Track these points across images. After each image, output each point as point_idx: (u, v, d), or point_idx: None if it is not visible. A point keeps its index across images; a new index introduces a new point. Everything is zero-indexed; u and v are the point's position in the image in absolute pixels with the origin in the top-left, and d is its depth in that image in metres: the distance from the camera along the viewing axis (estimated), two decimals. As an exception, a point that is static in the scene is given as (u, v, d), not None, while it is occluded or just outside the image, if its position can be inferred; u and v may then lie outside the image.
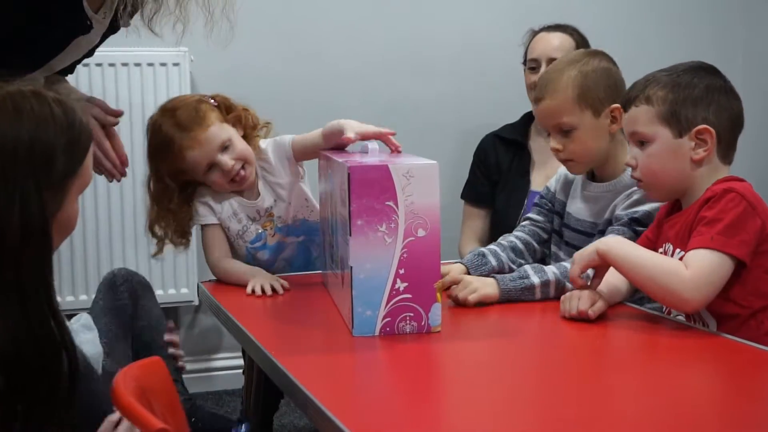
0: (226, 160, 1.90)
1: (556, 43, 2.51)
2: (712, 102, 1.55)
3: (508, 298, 1.71)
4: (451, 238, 2.62)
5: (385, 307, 1.46)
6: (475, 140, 2.73)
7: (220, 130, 1.91)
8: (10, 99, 1.16)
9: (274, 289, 1.80)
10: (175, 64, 2.72)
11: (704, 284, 1.45)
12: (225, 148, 1.91)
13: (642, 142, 1.58)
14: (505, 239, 1.93)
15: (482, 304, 1.68)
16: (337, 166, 1.57)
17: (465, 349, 1.44)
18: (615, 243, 1.55)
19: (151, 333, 1.94)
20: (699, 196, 1.54)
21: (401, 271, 1.46)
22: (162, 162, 1.93)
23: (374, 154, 1.62)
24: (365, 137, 1.77)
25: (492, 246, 1.90)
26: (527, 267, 1.77)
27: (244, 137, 1.96)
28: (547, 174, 2.30)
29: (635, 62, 2.54)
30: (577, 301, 1.55)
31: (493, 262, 1.84)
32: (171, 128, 1.89)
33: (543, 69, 2.47)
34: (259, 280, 1.82)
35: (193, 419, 1.65)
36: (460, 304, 1.67)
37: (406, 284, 1.46)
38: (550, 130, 1.84)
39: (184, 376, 2.86)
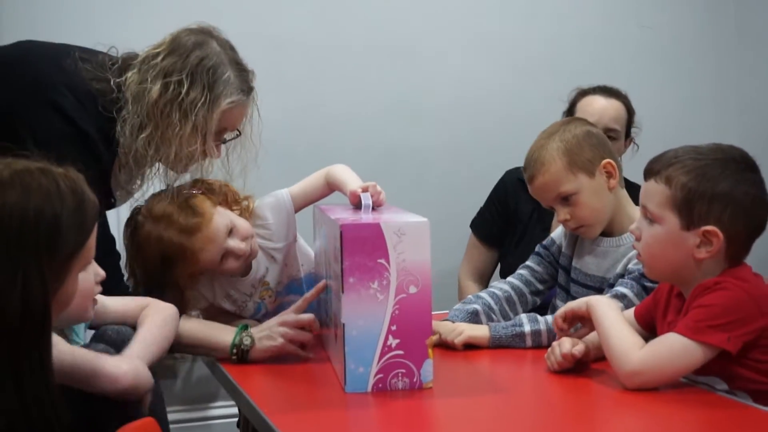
0: (238, 244, 1.80)
1: (612, 111, 2.45)
2: (733, 204, 1.45)
3: (498, 344, 1.76)
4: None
5: (378, 363, 1.48)
6: (471, 186, 2.74)
7: (221, 217, 1.81)
8: (17, 175, 1.14)
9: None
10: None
11: (650, 368, 1.44)
12: (230, 232, 1.81)
13: (650, 219, 1.52)
14: (500, 288, 1.95)
15: (471, 347, 1.74)
16: (329, 223, 1.59)
17: (457, 406, 1.44)
18: (602, 302, 1.57)
19: None
20: (689, 291, 1.50)
21: (393, 328, 1.47)
22: (173, 272, 1.78)
23: (367, 210, 1.64)
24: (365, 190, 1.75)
25: (486, 298, 1.91)
26: (522, 316, 1.81)
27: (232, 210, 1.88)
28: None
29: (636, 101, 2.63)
30: (558, 348, 1.57)
31: (484, 320, 1.86)
32: (176, 236, 1.75)
33: None
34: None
35: None
36: (448, 347, 1.72)
37: (398, 341, 1.48)
38: (552, 204, 1.86)
39: (181, 425, 2.89)
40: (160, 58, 1.76)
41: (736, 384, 1.46)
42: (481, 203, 2.66)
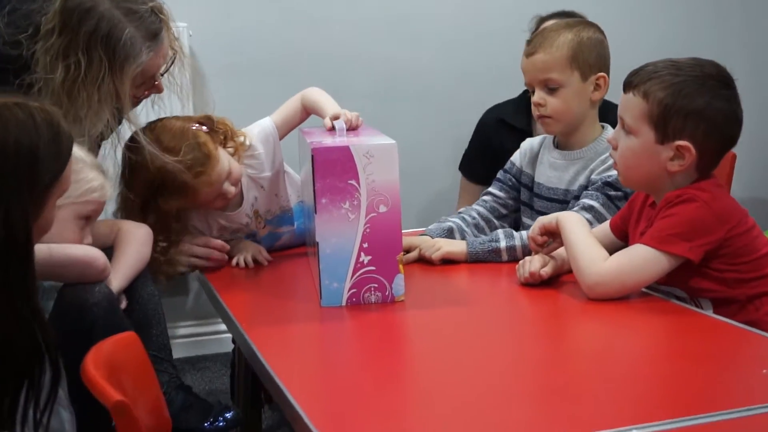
0: (229, 188, 1.86)
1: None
2: (707, 121, 1.49)
3: (475, 259, 1.83)
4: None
5: (351, 279, 1.56)
6: (470, 111, 2.77)
7: (222, 162, 1.85)
8: None
9: (257, 261, 1.90)
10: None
11: (611, 278, 1.50)
12: (228, 175, 1.86)
13: (627, 131, 1.56)
14: (468, 214, 2.01)
15: (449, 262, 1.82)
16: (305, 146, 1.65)
17: (426, 318, 1.53)
18: (570, 218, 1.64)
19: None
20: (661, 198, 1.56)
21: (365, 245, 1.55)
22: (165, 200, 1.84)
23: (342, 133, 1.70)
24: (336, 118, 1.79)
25: (457, 221, 1.97)
26: (499, 231, 1.87)
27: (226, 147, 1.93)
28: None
29: (636, 41, 2.61)
30: (528, 265, 1.64)
31: (458, 237, 1.93)
32: (180, 171, 1.78)
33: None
34: (242, 253, 1.92)
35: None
36: (427, 262, 1.81)
37: (369, 257, 1.55)
38: (536, 84, 1.90)
39: (194, 339, 3.02)
40: (54, 37, 1.71)
41: (697, 293, 1.52)
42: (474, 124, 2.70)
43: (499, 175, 2.06)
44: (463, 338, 1.43)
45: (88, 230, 1.63)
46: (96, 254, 1.54)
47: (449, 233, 1.93)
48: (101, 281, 1.53)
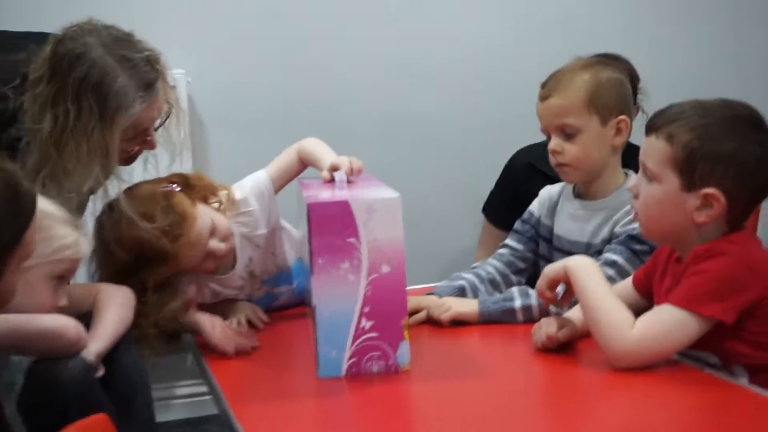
0: (218, 245, 1.71)
1: None
2: (737, 166, 1.36)
3: (488, 320, 1.69)
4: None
5: (351, 346, 1.41)
6: (477, 152, 2.67)
7: (202, 219, 1.70)
8: None
9: (251, 323, 1.76)
10: (171, 87, 2.69)
11: (644, 347, 1.36)
12: (212, 232, 1.72)
13: (649, 177, 1.43)
14: (483, 269, 1.87)
15: (460, 324, 1.68)
16: (302, 200, 1.52)
17: (433, 390, 1.38)
18: (582, 265, 1.47)
19: None
20: (687, 254, 1.42)
21: (366, 309, 1.41)
22: (146, 271, 1.68)
23: (341, 186, 1.57)
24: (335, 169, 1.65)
25: (471, 278, 1.83)
26: (514, 289, 1.74)
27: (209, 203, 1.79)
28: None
29: (646, 65, 2.50)
30: (544, 328, 1.50)
31: (471, 297, 1.79)
32: (156, 239, 1.64)
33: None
34: (236, 314, 1.77)
35: None
36: (435, 323, 1.68)
37: (371, 322, 1.41)
38: (552, 130, 1.77)
39: (190, 399, 2.87)
40: (43, 85, 1.61)
41: (731, 359, 1.38)
42: (487, 171, 2.57)
43: (517, 225, 1.92)
44: (474, 414, 1.29)
45: (63, 291, 1.50)
46: (67, 324, 1.39)
47: (460, 292, 1.79)
48: (76, 354, 1.39)
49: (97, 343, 1.48)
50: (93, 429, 1.15)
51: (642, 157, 1.45)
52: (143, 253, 1.65)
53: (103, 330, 1.52)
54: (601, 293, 1.42)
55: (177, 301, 1.73)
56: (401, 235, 1.40)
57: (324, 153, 1.76)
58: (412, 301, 1.72)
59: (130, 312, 1.58)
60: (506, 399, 1.36)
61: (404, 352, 1.42)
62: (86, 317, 1.62)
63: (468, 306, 1.72)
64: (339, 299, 1.40)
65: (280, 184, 1.84)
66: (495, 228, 2.53)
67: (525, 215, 1.92)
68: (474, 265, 1.91)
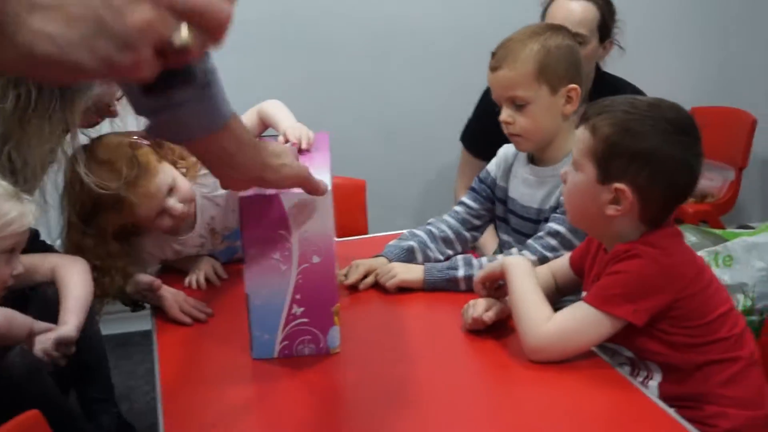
0: (176, 204, 1.77)
1: (578, 14, 2.33)
2: (652, 165, 1.37)
3: (432, 288, 1.75)
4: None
5: (283, 331, 1.48)
6: (476, 74, 2.67)
7: (164, 175, 1.77)
8: None
9: (210, 281, 1.84)
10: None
11: (555, 342, 1.41)
12: (170, 190, 1.78)
13: (575, 166, 1.46)
14: (437, 226, 1.92)
15: (405, 290, 1.75)
16: None
17: (360, 372, 1.46)
18: (517, 264, 1.53)
19: None
20: (612, 247, 1.45)
21: (297, 297, 1.46)
22: (103, 218, 1.75)
23: None
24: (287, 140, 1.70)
25: (422, 236, 1.88)
26: (459, 258, 1.78)
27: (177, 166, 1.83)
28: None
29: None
30: (472, 309, 1.55)
31: (420, 258, 1.83)
32: (115, 185, 1.70)
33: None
34: (195, 272, 1.85)
35: None
36: (383, 289, 1.74)
37: (302, 309, 1.47)
38: (503, 102, 1.78)
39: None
40: None
41: (645, 355, 1.43)
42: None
43: (474, 183, 1.97)
44: (395, 395, 1.36)
45: (15, 260, 1.59)
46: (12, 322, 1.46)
47: (409, 254, 1.84)
48: (14, 346, 1.47)
49: (76, 317, 1.59)
50: (25, 426, 1.21)
51: (573, 145, 1.48)
52: (101, 197, 1.71)
53: (76, 303, 1.62)
54: (525, 290, 1.48)
55: (137, 264, 1.82)
56: (331, 227, 1.43)
57: (283, 117, 1.82)
58: (364, 265, 1.78)
59: (91, 282, 1.67)
60: (424, 383, 1.41)
61: (334, 336, 1.48)
62: (41, 287, 1.70)
63: (413, 273, 1.77)
64: (271, 287, 1.45)
65: None
66: (473, 157, 2.55)
67: (482, 174, 1.97)
68: (429, 220, 1.96)
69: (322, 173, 1.50)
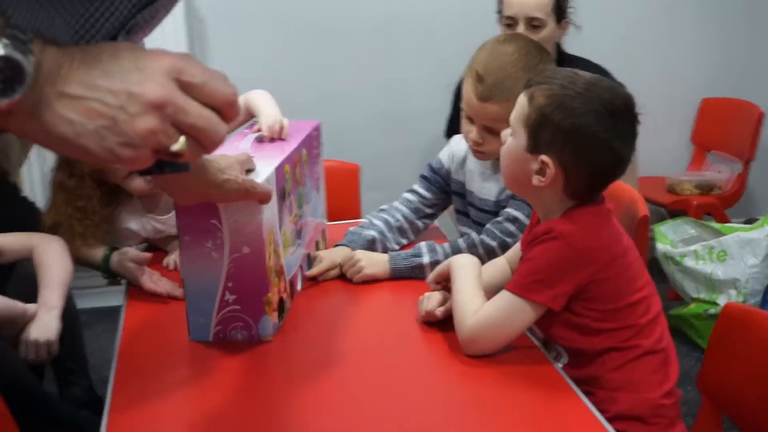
0: None
1: (533, 2, 2.41)
2: (574, 143, 1.37)
3: (399, 276, 1.79)
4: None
5: (216, 316, 1.52)
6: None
7: None
8: None
9: None
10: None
11: (481, 335, 1.43)
12: None
13: (511, 129, 1.47)
14: (392, 215, 1.95)
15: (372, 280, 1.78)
16: None
17: (291, 362, 1.49)
18: (461, 264, 1.55)
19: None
20: (544, 218, 1.47)
21: (229, 284, 1.50)
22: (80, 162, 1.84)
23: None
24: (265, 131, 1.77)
25: (380, 226, 1.91)
26: (422, 245, 1.81)
27: None
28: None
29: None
30: (427, 303, 1.58)
31: (380, 248, 1.87)
32: None
33: (521, 28, 2.42)
34: (172, 253, 1.92)
35: None
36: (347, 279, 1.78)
37: (234, 296, 1.51)
38: (477, 124, 1.76)
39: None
40: None
41: (554, 339, 1.46)
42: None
43: (426, 172, 1.98)
44: (323, 383, 1.40)
45: None
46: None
47: (371, 244, 1.87)
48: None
49: (59, 299, 1.68)
50: None
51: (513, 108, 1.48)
52: None
53: (58, 284, 1.71)
54: (462, 288, 1.50)
55: (116, 235, 1.90)
56: (260, 220, 1.46)
57: (264, 107, 1.86)
58: (327, 259, 1.81)
59: (69, 260, 1.77)
60: (365, 373, 1.44)
61: (267, 324, 1.52)
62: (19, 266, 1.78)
63: (378, 266, 1.79)
64: (204, 273, 1.50)
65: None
66: None
67: (435, 164, 1.98)
68: (382, 207, 1.98)
69: (266, 167, 1.54)
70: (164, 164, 0.77)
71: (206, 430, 1.28)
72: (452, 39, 3.11)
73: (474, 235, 1.81)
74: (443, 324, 1.56)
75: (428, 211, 1.97)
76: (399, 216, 1.94)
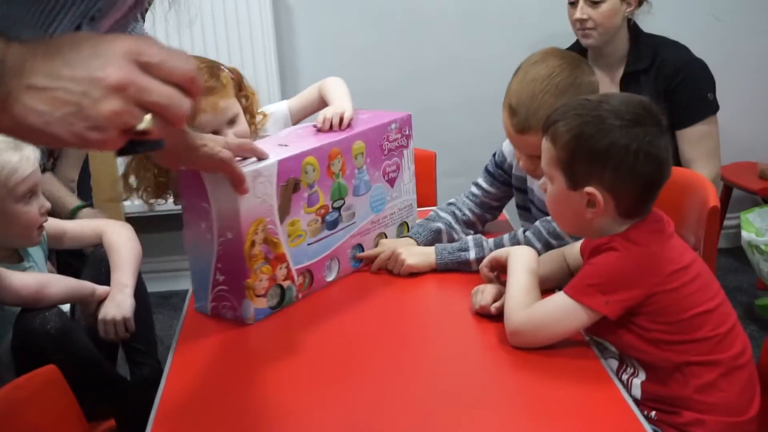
0: (230, 134, 1.90)
1: None
2: (611, 164, 1.36)
3: (444, 269, 1.78)
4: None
5: (211, 292, 1.62)
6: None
7: (235, 105, 1.93)
8: None
9: None
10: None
11: (528, 329, 1.43)
12: (231, 122, 1.92)
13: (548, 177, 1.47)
14: (460, 209, 1.91)
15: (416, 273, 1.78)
16: None
17: (271, 345, 1.55)
18: (519, 254, 1.54)
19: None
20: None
21: (219, 265, 1.59)
22: None
23: (274, 141, 1.71)
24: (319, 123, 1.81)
25: (448, 218, 1.89)
26: (469, 239, 1.78)
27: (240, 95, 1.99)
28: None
29: None
30: (481, 296, 1.57)
31: (446, 239, 1.85)
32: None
33: (581, 3, 2.44)
34: None
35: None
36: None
37: (223, 277, 1.60)
38: (523, 153, 1.74)
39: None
40: None
41: (626, 351, 1.42)
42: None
43: (490, 167, 1.93)
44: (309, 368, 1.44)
45: (37, 199, 1.78)
46: (21, 284, 1.67)
47: (436, 235, 1.86)
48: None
49: (131, 278, 1.81)
50: (41, 380, 1.39)
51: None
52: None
53: (129, 266, 1.84)
54: (517, 279, 1.50)
55: None
56: (239, 209, 1.52)
57: (337, 96, 1.91)
58: (388, 246, 1.82)
59: (138, 244, 1.91)
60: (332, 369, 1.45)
61: (248, 308, 1.59)
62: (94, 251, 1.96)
63: (422, 258, 1.77)
64: (201, 251, 1.60)
65: (300, 116, 2.04)
66: None
67: (498, 157, 1.93)
68: (450, 201, 1.95)
69: (270, 160, 1.58)
70: (137, 144, 0.82)
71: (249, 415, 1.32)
72: (543, 23, 3.00)
73: (519, 233, 1.75)
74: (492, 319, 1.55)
75: (494, 204, 1.95)
76: (465, 210, 1.92)
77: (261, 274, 1.59)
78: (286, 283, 1.65)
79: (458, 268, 1.75)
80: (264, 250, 1.58)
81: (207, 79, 1.89)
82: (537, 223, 1.73)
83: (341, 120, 1.78)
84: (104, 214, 2.20)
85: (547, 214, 1.72)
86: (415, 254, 1.78)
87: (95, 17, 0.99)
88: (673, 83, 2.44)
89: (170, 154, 1.46)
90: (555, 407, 1.29)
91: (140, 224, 2.26)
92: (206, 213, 1.56)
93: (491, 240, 1.76)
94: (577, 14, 2.49)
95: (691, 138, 2.45)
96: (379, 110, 1.91)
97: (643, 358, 1.40)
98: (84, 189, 2.35)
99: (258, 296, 1.59)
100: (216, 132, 1.93)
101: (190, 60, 0.81)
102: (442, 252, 1.76)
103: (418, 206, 1.98)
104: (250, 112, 2.01)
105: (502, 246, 1.72)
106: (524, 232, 1.74)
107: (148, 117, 0.77)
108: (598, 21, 2.46)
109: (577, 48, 2.57)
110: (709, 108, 2.47)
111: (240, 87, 2.00)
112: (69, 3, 0.94)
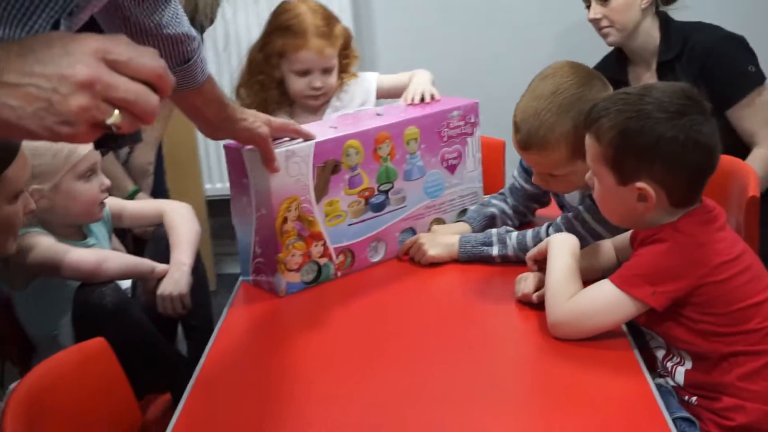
0: (319, 80, 2.08)
1: None
2: (660, 156, 1.35)
3: (467, 260, 1.79)
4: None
5: (252, 263, 1.72)
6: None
7: (335, 57, 2.09)
8: None
9: None
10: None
11: (571, 320, 1.41)
12: (326, 71, 2.08)
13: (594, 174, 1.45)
14: (510, 198, 1.92)
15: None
16: None
17: (304, 318, 1.61)
18: (560, 241, 1.53)
19: None
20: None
21: (257, 239, 1.68)
22: (278, 40, 2.07)
23: (325, 123, 1.82)
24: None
25: (501, 204, 1.91)
26: (493, 233, 1.78)
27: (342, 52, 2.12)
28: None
29: None
30: (524, 284, 1.59)
31: (499, 224, 1.87)
32: (309, 22, 2.03)
33: (593, 3, 2.40)
34: None
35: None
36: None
37: (261, 250, 1.69)
38: (534, 169, 1.71)
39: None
40: None
41: (673, 342, 1.42)
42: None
43: (525, 163, 1.88)
44: (334, 345, 1.48)
45: (97, 177, 1.82)
46: (81, 259, 1.73)
47: (491, 221, 1.88)
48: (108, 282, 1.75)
49: (189, 257, 1.85)
50: (89, 350, 1.43)
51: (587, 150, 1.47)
52: (293, 20, 2.07)
53: (187, 244, 1.87)
54: (558, 267, 1.49)
55: None
56: (269, 187, 1.59)
57: (421, 84, 2.00)
58: (441, 232, 1.86)
59: (197, 222, 1.95)
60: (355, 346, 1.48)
61: (279, 281, 1.67)
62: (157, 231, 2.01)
63: (444, 249, 1.79)
64: (244, 224, 1.70)
65: (386, 94, 2.16)
66: None
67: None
68: (501, 191, 1.95)
69: (321, 135, 1.66)
70: (113, 138, 0.95)
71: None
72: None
73: (542, 229, 1.73)
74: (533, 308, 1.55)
75: (542, 198, 1.93)
76: (513, 201, 1.92)
77: (294, 250, 1.66)
78: (322, 260, 1.72)
79: (480, 261, 1.76)
80: (297, 227, 1.65)
81: (322, 25, 2.04)
82: (559, 220, 1.71)
83: (423, 97, 1.91)
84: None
85: None
86: (437, 245, 1.79)
87: (73, 12, 1.06)
88: (707, 64, 2.32)
89: (211, 125, 1.58)
90: (577, 397, 1.28)
91: (219, 207, 2.34)
92: (246, 188, 1.66)
93: (514, 235, 1.74)
94: (590, 15, 2.43)
95: (743, 114, 2.32)
96: (448, 97, 1.96)
97: (690, 349, 1.39)
98: (157, 173, 2.47)
99: (290, 270, 1.67)
100: (307, 72, 2.07)
101: (157, 58, 0.84)
102: (466, 244, 1.77)
103: (486, 194, 1.98)
104: (345, 71, 2.13)
105: (526, 242, 1.71)
106: (547, 228, 1.71)
107: (116, 112, 0.81)
108: (611, 18, 2.39)
109: (616, 52, 2.53)
110: (754, 80, 2.34)
111: (346, 45, 2.13)
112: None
